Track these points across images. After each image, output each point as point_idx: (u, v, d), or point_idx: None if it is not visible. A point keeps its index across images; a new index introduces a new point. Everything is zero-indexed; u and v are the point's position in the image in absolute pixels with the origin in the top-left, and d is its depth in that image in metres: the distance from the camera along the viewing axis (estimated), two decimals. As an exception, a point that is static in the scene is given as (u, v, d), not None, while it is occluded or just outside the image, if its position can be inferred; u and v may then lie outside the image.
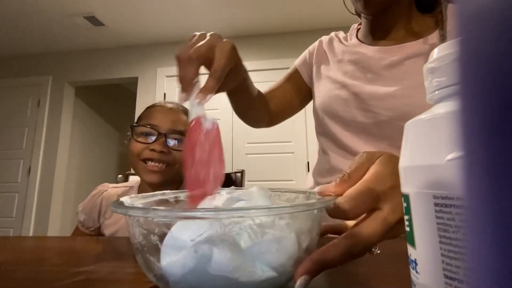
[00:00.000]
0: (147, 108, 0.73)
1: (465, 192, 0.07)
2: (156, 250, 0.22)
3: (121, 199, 0.24)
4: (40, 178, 2.92)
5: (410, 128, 0.18)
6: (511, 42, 0.06)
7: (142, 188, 0.73)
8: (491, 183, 0.06)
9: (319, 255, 0.21)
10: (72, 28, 2.70)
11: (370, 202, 0.23)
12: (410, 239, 0.17)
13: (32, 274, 0.29)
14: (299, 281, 0.20)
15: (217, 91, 0.36)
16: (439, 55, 0.17)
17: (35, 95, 3.08)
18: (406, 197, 0.18)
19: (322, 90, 0.61)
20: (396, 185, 0.23)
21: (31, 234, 2.78)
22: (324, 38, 0.68)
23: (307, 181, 0.68)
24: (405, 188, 0.18)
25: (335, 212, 0.23)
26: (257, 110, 0.60)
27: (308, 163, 2.58)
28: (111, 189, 0.75)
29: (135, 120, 0.75)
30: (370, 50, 0.57)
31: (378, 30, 0.58)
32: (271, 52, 2.83)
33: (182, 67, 0.33)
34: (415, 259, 0.17)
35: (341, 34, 0.69)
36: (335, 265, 0.21)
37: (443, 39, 0.47)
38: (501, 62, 0.06)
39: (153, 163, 0.65)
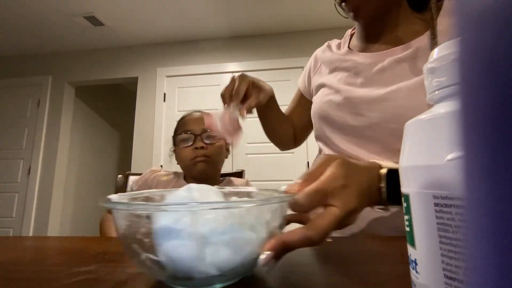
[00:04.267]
0: (180, 120, 0.95)
1: (465, 192, 0.07)
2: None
3: (118, 194, 0.28)
4: (40, 178, 2.91)
5: (410, 128, 0.18)
6: (511, 42, 0.06)
7: (186, 180, 0.92)
8: (491, 183, 0.06)
9: (282, 237, 0.25)
10: (72, 28, 2.70)
11: (322, 198, 0.27)
12: (410, 239, 0.17)
13: (32, 274, 0.29)
14: (262, 255, 0.24)
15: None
16: (439, 55, 0.17)
17: (35, 95, 3.08)
18: (406, 197, 0.18)
19: (318, 96, 0.64)
20: (346, 184, 0.28)
21: (31, 234, 2.77)
22: (318, 51, 0.73)
23: None
24: (405, 188, 0.18)
25: (294, 206, 0.28)
26: (285, 132, 0.74)
27: (308, 162, 2.58)
28: (162, 172, 0.95)
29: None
30: (360, 57, 0.59)
31: (371, 36, 0.61)
32: (271, 52, 2.83)
33: (238, 83, 0.55)
34: (415, 259, 0.17)
35: (334, 42, 0.72)
36: (295, 247, 0.25)
37: (433, 37, 0.48)
38: (500, 62, 0.06)
39: (198, 158, 0.86)
